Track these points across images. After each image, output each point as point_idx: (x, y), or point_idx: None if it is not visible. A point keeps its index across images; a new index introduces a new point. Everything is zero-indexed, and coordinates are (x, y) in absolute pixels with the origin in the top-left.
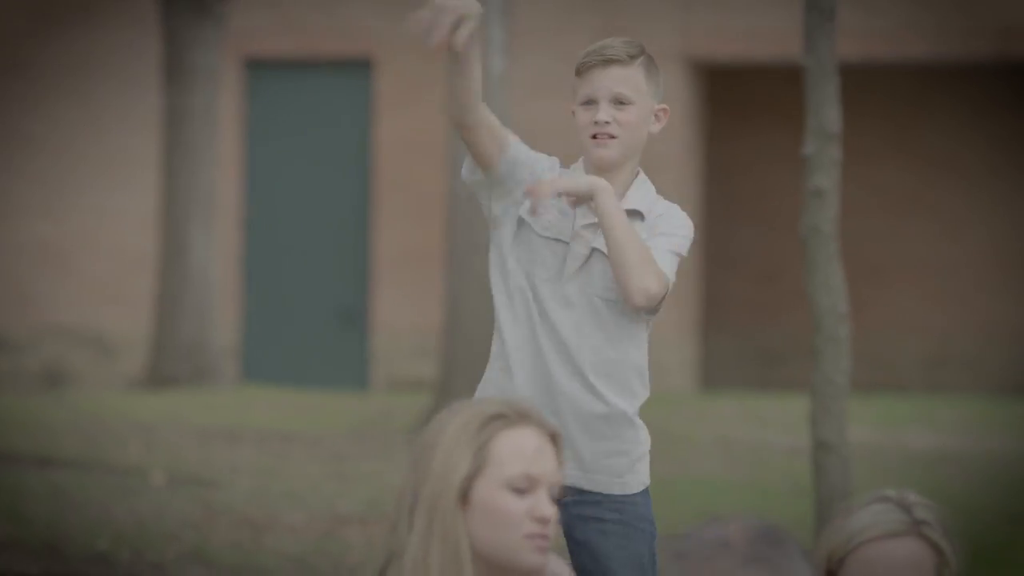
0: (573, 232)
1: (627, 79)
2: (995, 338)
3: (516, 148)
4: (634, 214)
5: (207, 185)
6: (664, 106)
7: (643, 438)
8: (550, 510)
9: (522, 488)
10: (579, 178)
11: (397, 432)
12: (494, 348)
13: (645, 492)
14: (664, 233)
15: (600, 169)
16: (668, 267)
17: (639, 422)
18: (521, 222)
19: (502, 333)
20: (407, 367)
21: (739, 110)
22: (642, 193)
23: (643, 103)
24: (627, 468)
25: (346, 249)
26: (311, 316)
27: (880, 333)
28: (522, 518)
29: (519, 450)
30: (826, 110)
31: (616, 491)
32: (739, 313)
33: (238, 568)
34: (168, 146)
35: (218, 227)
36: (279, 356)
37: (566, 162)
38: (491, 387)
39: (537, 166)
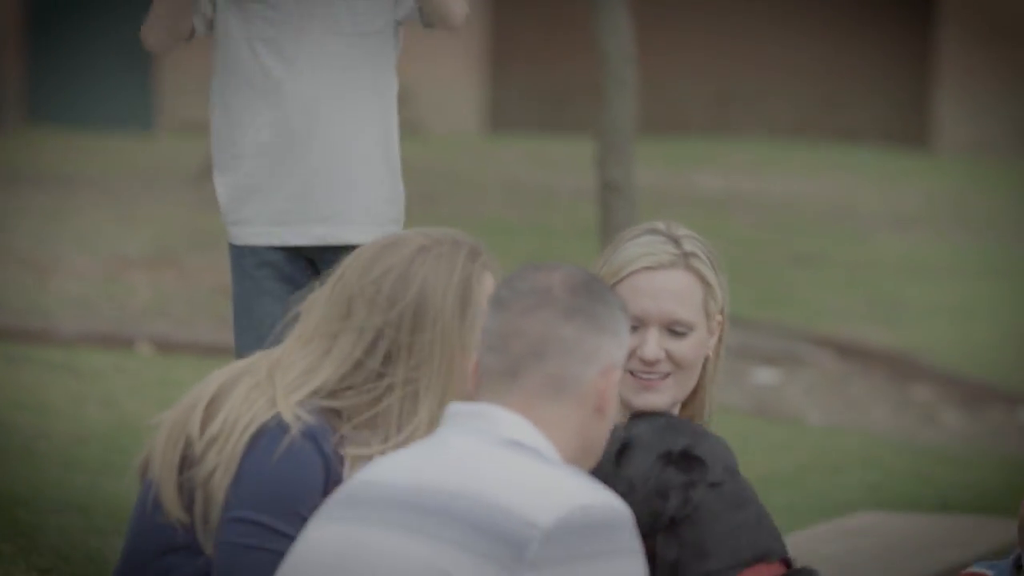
0: None
1: None
2: (779, 79)
3: None
4: None
5: None
6: None
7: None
8: None
9: None
10: None
11: (182, 175)
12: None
13: None
14: None
15: None
16: None
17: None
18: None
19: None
20: (192, 110)
21: None
22: None
23: None
24: (392, 219)
25: None
26: (96, 58)
27: (666, 74)
28: None
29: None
30: None
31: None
32: (527, 55)
33: (23, 311)
34: None
35: None
36: (64, 98)
37: None
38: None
39: None
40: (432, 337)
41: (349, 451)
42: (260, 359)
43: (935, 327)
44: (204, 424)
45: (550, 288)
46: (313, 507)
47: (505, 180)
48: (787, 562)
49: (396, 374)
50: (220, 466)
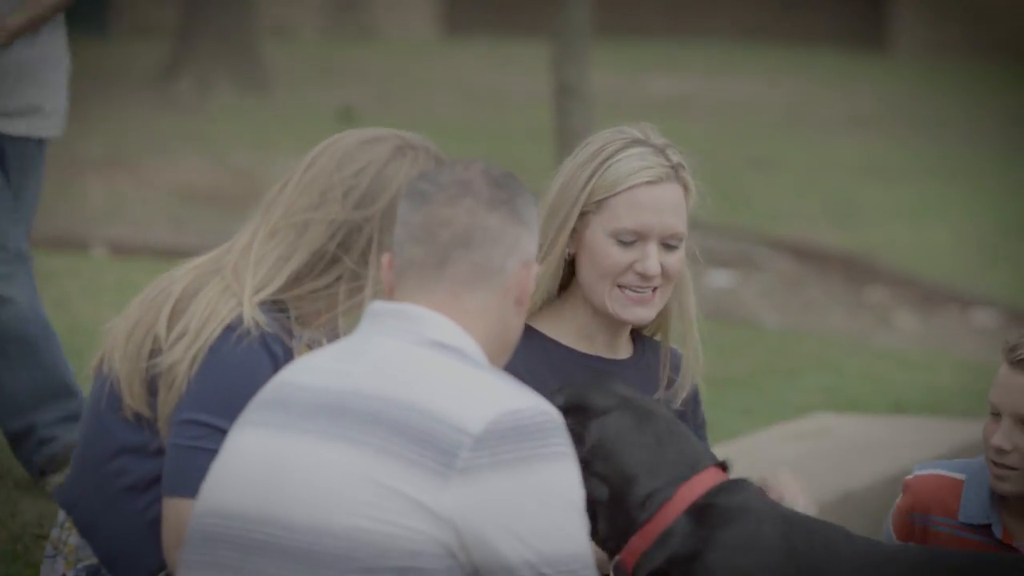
0: None
1: None
2: None
3: None
4: None
5: None
6: None
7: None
8: None
9: None
10: None
11: (136, 79)
12: None
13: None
14: None
15: None
16: None
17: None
18: None
19: None
20: (145, 13)
21: None
22: None
23: None
24: (40, 105)
25: None
26: None
27: None
28: None
29: None
30: None
31: (23, 132)
32: None
33: None
34: None
35: None
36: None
37: None
38: None
39: None
40: None
41: (303, 352)
42: (222, 255)
43: (891, 230)
44: (172, 322)
45: (471, 180)
46: None
47: (460, 83)
48: (723, 466)
49: (364, 275)
50: (186, 360)
